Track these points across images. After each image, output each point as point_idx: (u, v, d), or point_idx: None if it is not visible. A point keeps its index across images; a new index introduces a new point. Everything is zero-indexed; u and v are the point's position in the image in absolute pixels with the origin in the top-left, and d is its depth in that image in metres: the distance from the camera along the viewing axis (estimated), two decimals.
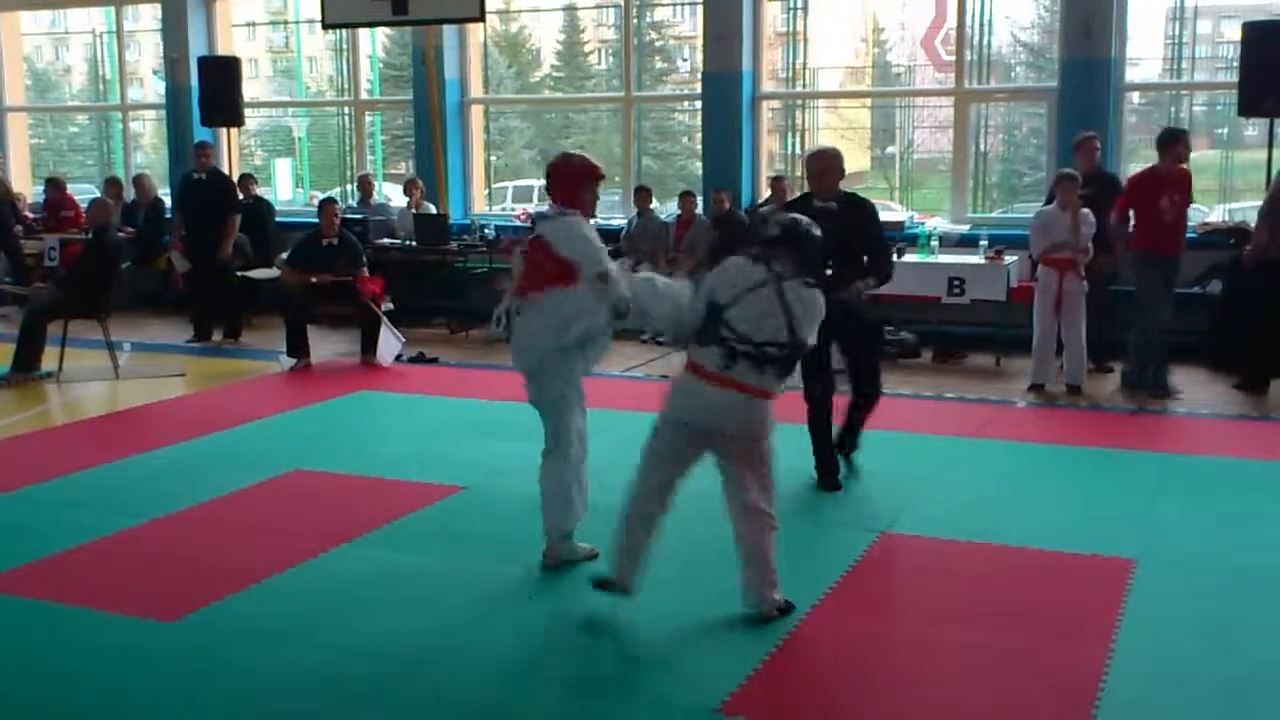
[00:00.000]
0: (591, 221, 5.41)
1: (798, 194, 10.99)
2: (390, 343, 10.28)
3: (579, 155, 5.50)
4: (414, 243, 12.21)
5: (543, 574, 5.36)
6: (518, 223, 13.13)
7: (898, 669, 4.45)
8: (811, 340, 4.63)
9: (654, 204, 12.14)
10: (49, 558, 5.62)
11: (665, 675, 4.42)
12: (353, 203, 13.43)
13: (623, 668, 4.49)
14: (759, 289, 4.57)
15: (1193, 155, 11.48)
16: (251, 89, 15.21)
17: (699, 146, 13.15)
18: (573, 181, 5.36)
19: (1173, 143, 8.88)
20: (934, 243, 10.63)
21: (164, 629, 4.79)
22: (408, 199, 12.89)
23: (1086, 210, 8.75)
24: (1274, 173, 9.45)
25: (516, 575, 5.37)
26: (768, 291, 4.56)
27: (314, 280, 10.22)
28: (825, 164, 6.52)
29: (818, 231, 4.77)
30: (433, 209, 12.70)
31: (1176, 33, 11.48)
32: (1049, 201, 9.28)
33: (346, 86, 14.91)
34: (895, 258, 7.56)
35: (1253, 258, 8.99)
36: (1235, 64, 10.13)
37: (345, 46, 14.68)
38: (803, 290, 4.60)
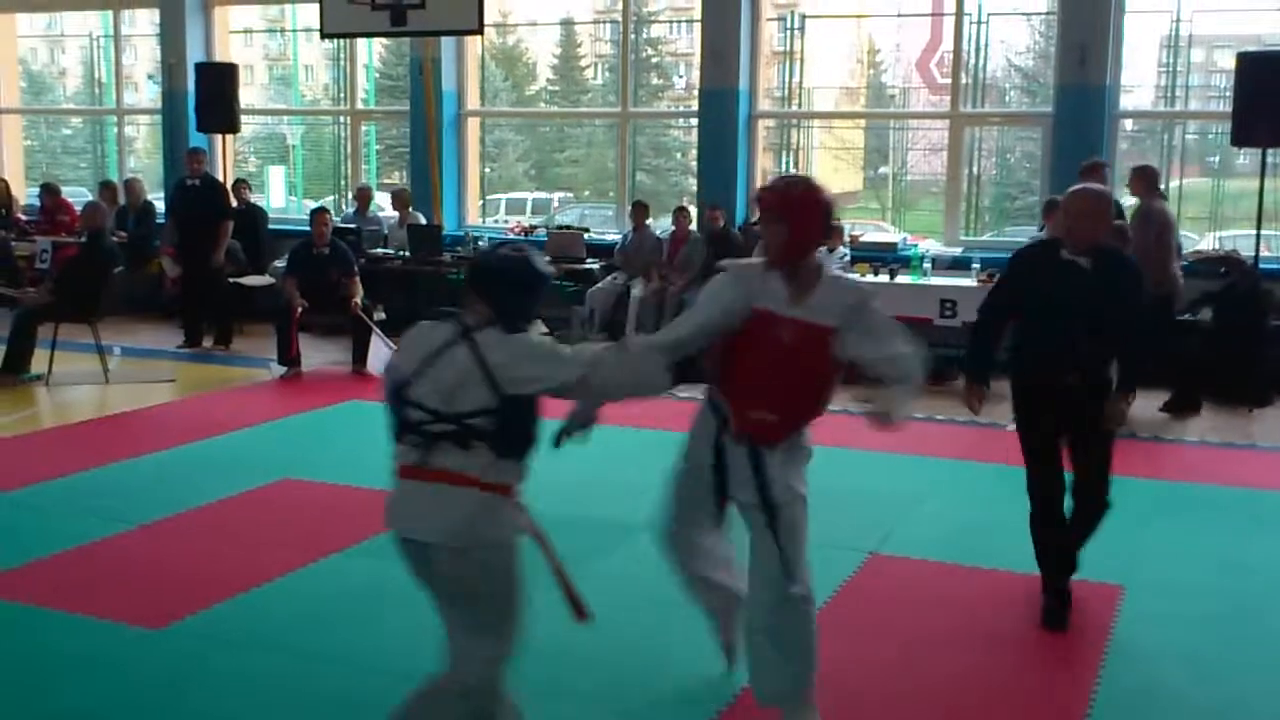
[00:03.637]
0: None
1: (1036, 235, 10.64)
2: (382, 352, 10.24)
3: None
4: (407, 253, 12.21)
5: (528, 586, 5.34)
6: (512, 235, 13.14)
7: (885, 692, 4.45)
8: (531, 389, 3.41)
9: (648, 220, 12.15)
10: (35, 562, 5.60)
11: (655, 692, 4.41)
12: (349, 212, 13.42)
13: (612, 681, 4.48)
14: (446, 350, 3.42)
15: (1185, 183, 11.62)
16: (247, 96, 15.20)
17: (693, 163, 13.18)
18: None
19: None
20: (926, 265, 10.66)
21: (150, 636, 4.78)
22: (397, 214, 12.90)
23: None
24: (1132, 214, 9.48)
25: None
26: (457, 350, 3.40)
27: (303, 306, 10.18)
28: (1087, 206, 4.88)
29: (523, 262, 3.49)
30: (421, 219, 12.71)
31: (1170, 61, 11.55)
32: (1045, 227, 9.31)
33: (342, 96, 14.90)
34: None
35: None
36: (1228, 93, 10.18)
37: (342, 56, 14.68)
38: (502, 338, 3.41)
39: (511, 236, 12.92)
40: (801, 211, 3.81)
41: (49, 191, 13.95)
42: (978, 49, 11.88)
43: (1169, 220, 9.33)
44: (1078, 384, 4.93)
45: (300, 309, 10.14)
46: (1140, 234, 8.97)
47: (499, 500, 3.48)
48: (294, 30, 18.90)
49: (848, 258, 11.03)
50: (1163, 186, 10.02)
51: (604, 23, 19.58)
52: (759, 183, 12.60)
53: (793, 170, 12.89)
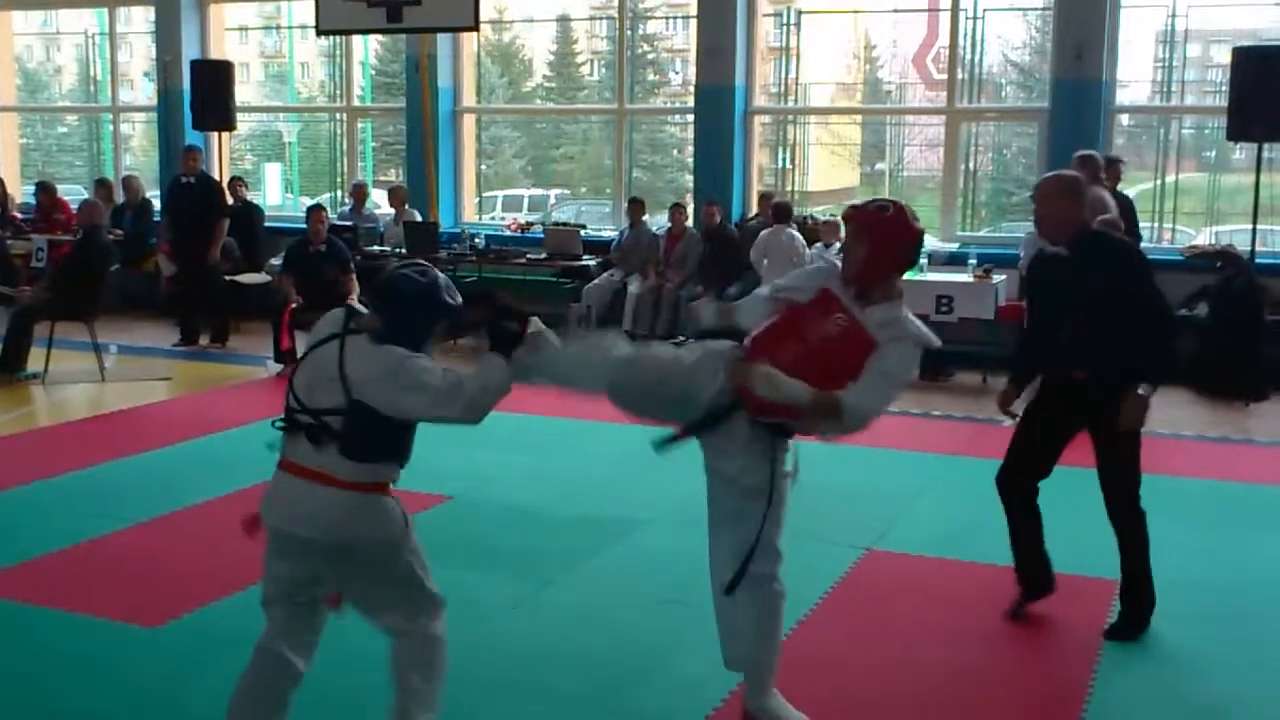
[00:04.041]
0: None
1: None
2: None
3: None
4: (404, 251, 12.21)
5: (528, 584, 5.35)
6: (508, 232, 13.14)
7: (882, 688, 4.45)
8: (381, 405, 3.38)
9: (645, 216, 12.14)
10: (31, 560, 5.60)
11: (651, 688, 4.41)
12: (345, 209, 13.42)
13: (608, 679, 4.48)
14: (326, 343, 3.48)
15: (1180, 177, 11.65)
16: (243, 93, 15.17)
17: (689, 159, 13.18)
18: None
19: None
20: (922, 260, 10.66)
21: (146, 635, 4.78)
22: (394, 210, 12.92)
23: None
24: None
25: (502, 586, 5.36)
26: (328, 346, 3.46)
27: (297, 303, 10.17)
28: (1046, 191, 4.81)
29: (410, 284, 3.46)
30: (418, 216, 12.71)
31: (1166, 56, 11.56)
32: None
33: (338, 93, 14.90)
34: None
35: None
36: (1224, 88, 10.19)
37: (338, 53, 14.68)
38: (368, 347, 3.41)
39: (506, 228, 12.95)
40: (879, 236, 3.79)
41: (44, 189, 13.94)
42: (974, 44, 11.89)
43: (1107, 207, 9.36)
44: (1087, 381, 4.76)
45: (294, 304, 10.14)
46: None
47: (370, 498, 3.49)
48: (290, 27, 18.87)
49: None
50: (1161, 181, 10.06)
51: (600, 19, 19.53)
52: (755, 179, 12.61)
53: (789, 165, 12.90)
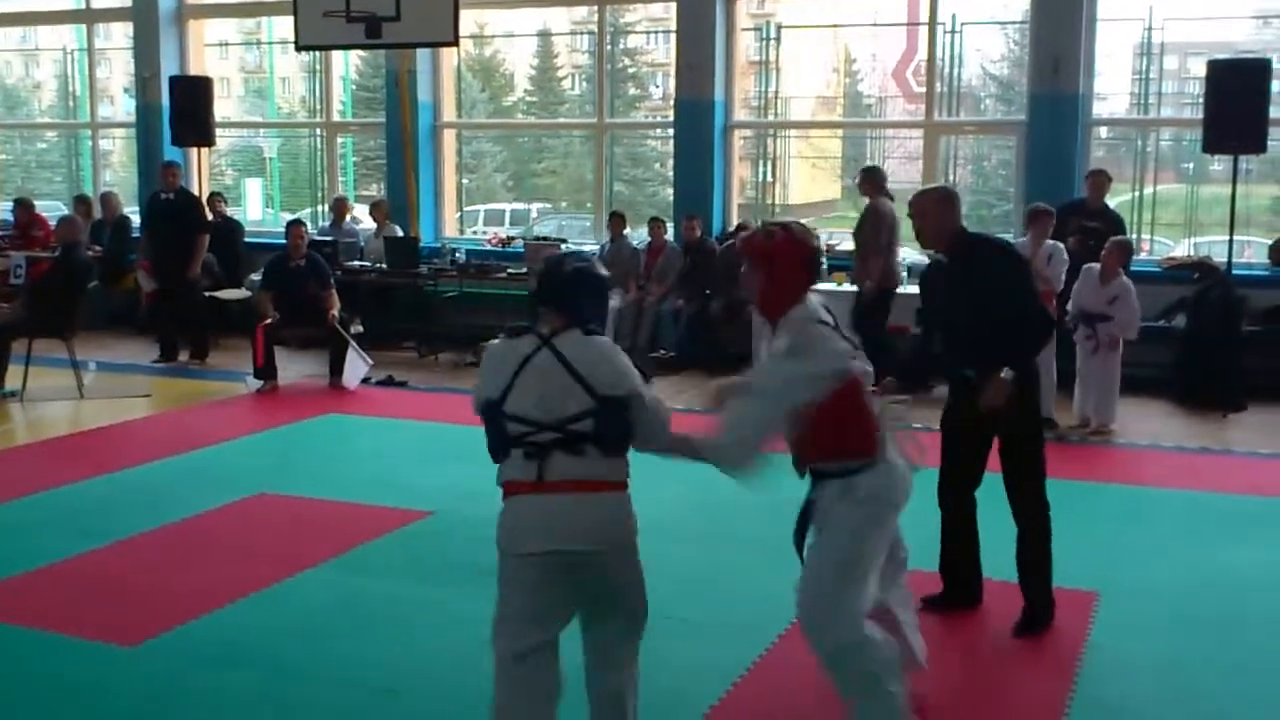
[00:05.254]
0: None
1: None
2: (357, 365, 10.24)
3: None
4: (384, 265, 12.20)
5: None
6: (489, 247, 13.13)
7: None
8: (623, 390, 3.49)
9: (626, 230, 12.15)
10: (8, 580, 5.56)
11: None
12: (324, 224, 13.40)
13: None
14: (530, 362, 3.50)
15: (1158, 189, 11.71)
16: (223, 108, 15.16)
17: (671, 173, 13.19)
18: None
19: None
20: (903, 273, 10.69)
21: (124, 654, 4.75)
22: (376, 224, 12.90)
23: (1059, 244, 8.82)
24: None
25: (483, 601, 5.33)
26: (542, 359, 3.49)
27: (274, 319, 10.15)
28: (919, 206, 5.10)
29: (594, 270, 3.67)
30: (399, 231, 12.69)
31: (1144, 68, 11.63)
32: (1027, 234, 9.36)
33: (319, 108, 14.87)
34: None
35: (876, 290, 9.75)
36: (1201, 100, 10.25)
37: (318, 68, 14.66)
38: (584, 340, 3.53)
39: (571, 250, 12.96)
40: (770, 261, 3.73)
41: (23, 206, 13.87)
42: (953, 58, 11.94)
43: (895, 219, 9.72)
44: (991, 403, 4.82)
45: (270, 320, 10.12)
46: (871, 230, 9.76)
47: (627, 496, 3.55)
48: (270, 43, 18.88)
49: (824, 267, 11.05)
50: (1139, 193, 10.10)
51: (581, 34, 19.57)
52: (736, 193, 12.63)
53: (769, 179, 12.93)
